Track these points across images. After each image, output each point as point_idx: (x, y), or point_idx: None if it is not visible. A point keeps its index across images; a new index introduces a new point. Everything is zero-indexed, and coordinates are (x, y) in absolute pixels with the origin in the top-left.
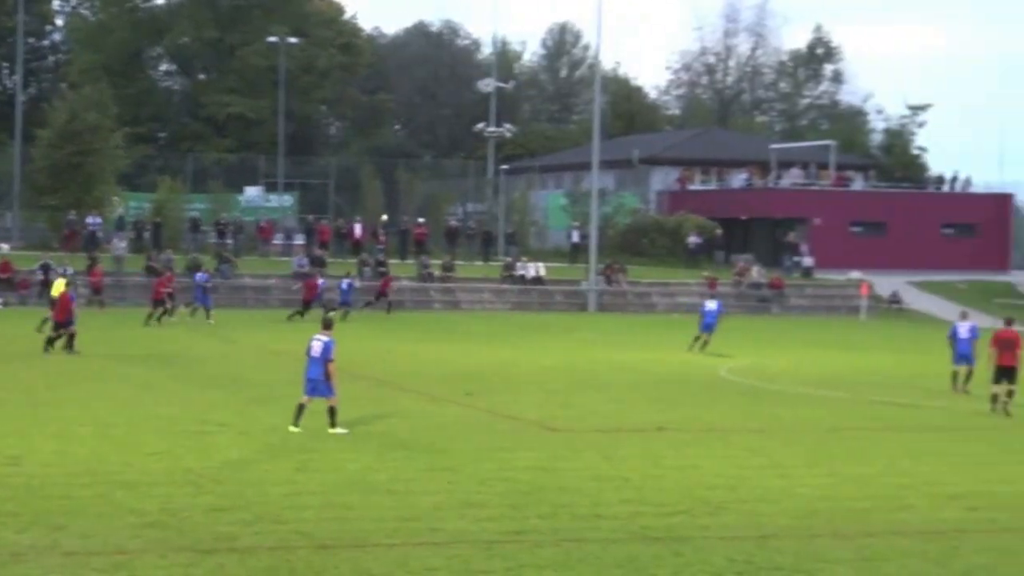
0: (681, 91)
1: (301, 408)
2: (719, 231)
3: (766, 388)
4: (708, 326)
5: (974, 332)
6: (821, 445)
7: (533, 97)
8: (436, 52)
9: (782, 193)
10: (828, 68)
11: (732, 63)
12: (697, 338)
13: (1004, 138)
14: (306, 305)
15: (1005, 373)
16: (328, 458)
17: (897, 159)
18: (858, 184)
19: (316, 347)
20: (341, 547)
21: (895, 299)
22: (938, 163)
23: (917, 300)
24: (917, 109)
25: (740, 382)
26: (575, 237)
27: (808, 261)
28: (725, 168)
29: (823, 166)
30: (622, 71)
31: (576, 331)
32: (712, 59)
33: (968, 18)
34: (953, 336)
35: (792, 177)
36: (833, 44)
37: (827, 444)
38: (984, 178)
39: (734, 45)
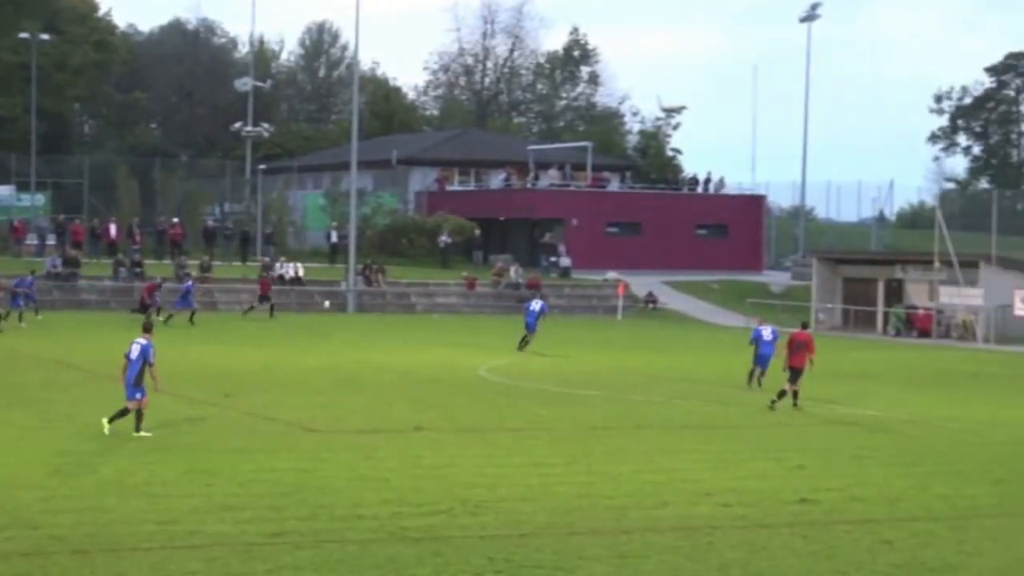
0: (439, 92)
1: (125, 411)
2: (478, 231)
3: (525, 387)
4: (529, 325)
5: (775, 335)
6: (579, 444)
7: (291, 97)
8: (193, 50)
9: (540, 194)
10: (585, 70)
11: (490, 64)
12: (524, 339)
13: (756, 140)
14: (144, 308)
15: (796, 373)
16: (83, 461)
17: (652, 160)
18: (614, 185)
19: (135, 350)
20: (98, 552)
21: (651, 299)
22: (692, 164)
23: (672, 300)
24: (671, 111)
25: (499, 381)
26: (334, 237)
27: (566, 261)
28: (484, 169)
29: (580, 167)
30: (381, 71)
31: (337, 332)
32: (470, 60)
33: (722, 21)
34: (757, 339)
35: (550, 178)
36: (590, 46)
37: (585, 442)
38: (737, 179)
39: (492, 46)
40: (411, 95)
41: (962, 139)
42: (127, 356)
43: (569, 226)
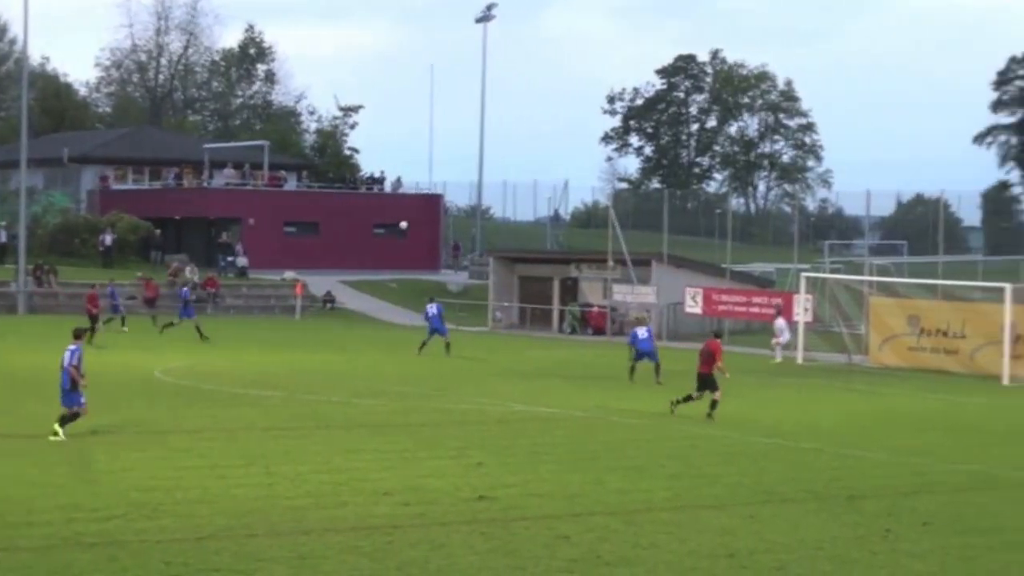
0: (112, 89)
1: (74, 416)
2: (158, 231)
3: (202, 388)
4: (434, 330)
5: (650, 333)
6: (258, 444)
7: None
8: None
9: (216, 193)
10: (261, 68)
11: (164, 61)
12: (423, 343)
13: (433, 139)
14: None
15: (702, 381)
16: None
17: (330, 160)
18: (291, 184)
19: (65, 357)
20: None
21: (329, 298)
22: (370, 164)
23: (351, 299)
24: (349, 110)
25: (176, 383)
26: (3, 237)
27: (243, 261)
28: (158, 167)
29: (257, 166)
30: (51, 67)
31: (8, 334)
32: (143, 57)
33: (398, 20)
34: (634, 340)
35: (226, 177)
36: (266, 44)
37: (264, 443)
38: (414, 179)
39: (166, 43)
40: (83, 91)
41: (634, 140)
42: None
43: (246, 225)
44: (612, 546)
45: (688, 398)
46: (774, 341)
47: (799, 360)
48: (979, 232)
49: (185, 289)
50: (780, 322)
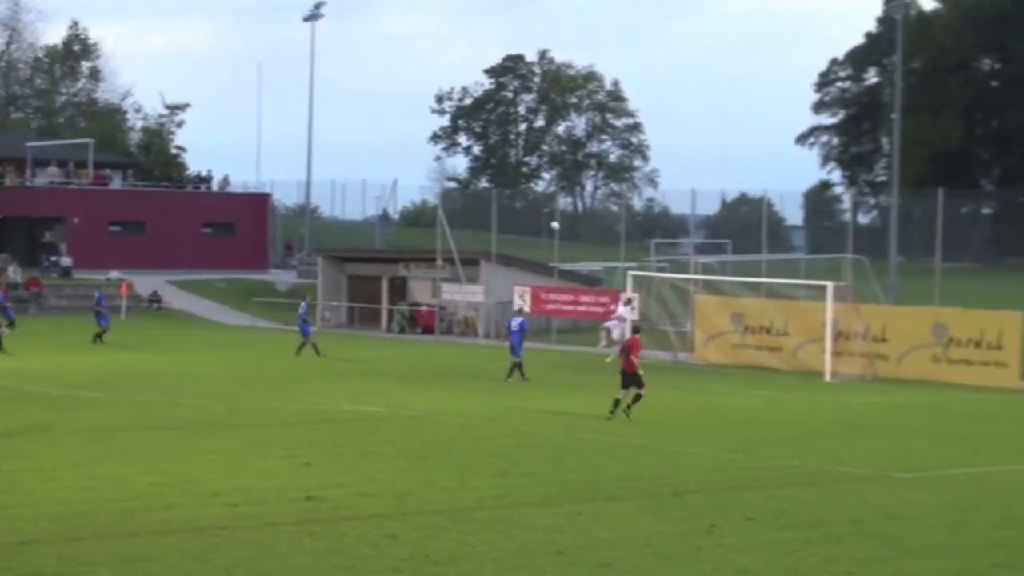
0: None
1: None
2: None
3: (25, 390)
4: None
5: (523, 326)
6: (83, 447)
7: None
8: None
9: (39, 191)
10: (86, 65)
11: None
12: (302, 344)
13: (262, 138)
14: None
15: (626, 378)
16: None
17: (156, 158)
18: (117, 183)
19: None
20: None
21: (155, 298)
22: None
23: (177, 299)
24: (175, 108)
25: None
26: None
27: (67, 260)
28: None
29: (81, 164)
30: None
31: None
32: None
33: (225, 17)
34: (508, 329)
35: (49, 175)
36: (90, 41)
37: (89, 445)
38: (242, 178)
39: None
40: None
41: (463, 139)
42: None
43: (70, 225)
44: (440, 544)
45: (617, 403)
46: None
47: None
48: (801, 231)
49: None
50: (619, 313)
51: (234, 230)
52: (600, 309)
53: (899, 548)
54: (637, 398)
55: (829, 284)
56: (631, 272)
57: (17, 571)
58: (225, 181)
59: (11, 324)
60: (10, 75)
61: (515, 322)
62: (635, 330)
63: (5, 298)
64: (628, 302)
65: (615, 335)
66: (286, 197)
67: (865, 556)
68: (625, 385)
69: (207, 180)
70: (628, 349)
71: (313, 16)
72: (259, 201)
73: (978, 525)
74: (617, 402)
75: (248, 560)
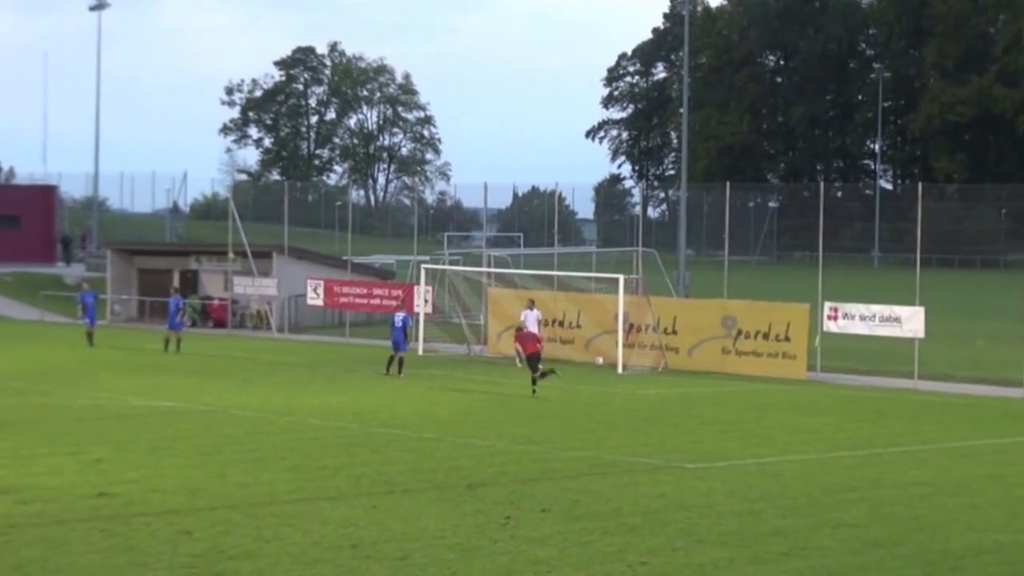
0: None
1: None
2: None
3: None
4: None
5: (406, 321)
6: None
7: None
8: None
9: None
10: None
11: None
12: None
13: (48, 129)
14: None
15: (532, 359)
16: None
17: None
18: None
19: None
20: None
21: None
22: None
23: None
24: None
25: None
26: None
27: None
28: None
29: None
30: None
31: None
32: None
33: (9, 6)
34: (391, 324)
35: None
36: None
37: None
38: (28, 169)
39: None
40: None
41: (254, 131)
42: None
43: None
44: (235, 540)
45: (537, 378)
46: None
47: (420, 351)
48: (593, 224)
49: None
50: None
51: (20, 222)
52: (393, 302)
53: (691, 537)
54: (543, 376)
55: (620, 277)
56: (424, 265)
57: None
58: (10, 173)
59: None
60: None
61: (398, 317)
62: (519, 328)
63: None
64: (532, 304)
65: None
66: (74, 189)
67: (658, 545)
68: (533, 366)
69: None
70: (531, 335)
71: (99, 5)
72: (46, 193)
73: (767, 514)
74: (534, 380)
75: (39, 558)
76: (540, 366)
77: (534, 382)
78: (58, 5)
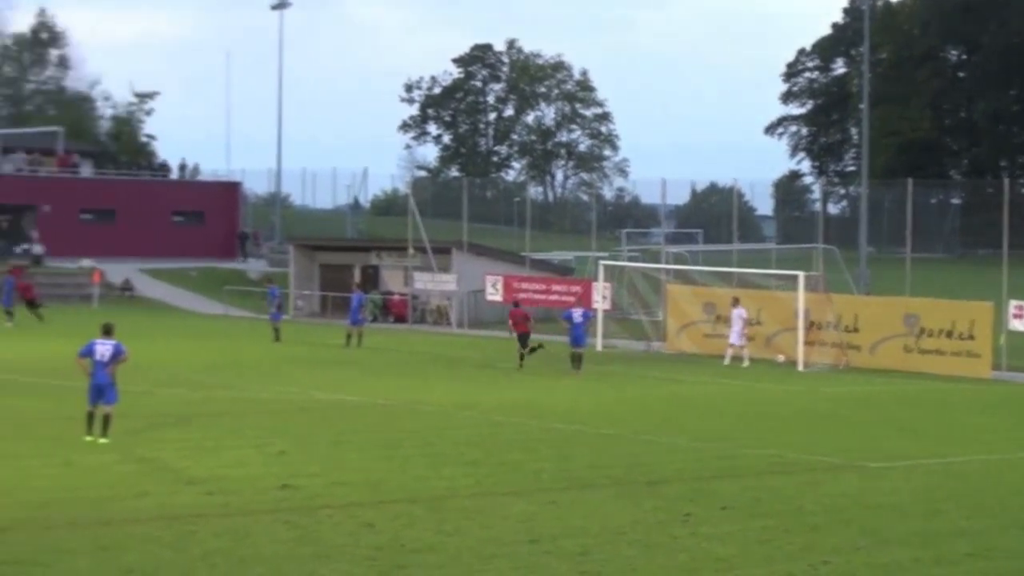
0: None
1: (91, 416)
2: None
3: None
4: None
5: (586, 316)
6: (56, 435)
7: None
8: None
9: (8, 180)
10: (54, 53)
11: None
12: (350, 335)
13: (231, 126)
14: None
15: (523, 337)
16: None
17: (125, 147)
18: (87, 171)
19: (104, 352)
20: None
21: (127, 286)
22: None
23: (149, 287)
24: (145, 96)
25: None
26: None
27: (39, 249)
28: None
29: (50, 152)
30: None
31: None
32: None
33: (193, 6)
34: (568, 319)
35: (18, 163)
36: (58, 29)
37: (63, 434)
38: (212, 166)
39: None
40: None
41: (432, 128)
42: (92, 358)
43: (41, 213)
44: (416, 533)
45: (525, 353)
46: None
47: (598, 347)
48: (772, 221)
49: (12, 278)
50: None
51: (204, 218)
52: (571, 299)
53: (874, 537)
54: (533, 351)
55: (800, 274)
56: (603, 262)
57: None
58: (195, 170)
59: (9, 314)
60: None
61: (577, 312)
62: (516, 304)
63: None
64: (736, 302)
65: (734, 340)
66: (256, 186)
67: (841, 544)
68: (524, 343)
69: (181, 168)
70: (522, 316)
71: (281, 4)
72: (229, 190)
73: (951, 515)
74: (524, 354)
75: (224, 549)
76: (530, 343)
77: (522, 357)
78: (241, 4)
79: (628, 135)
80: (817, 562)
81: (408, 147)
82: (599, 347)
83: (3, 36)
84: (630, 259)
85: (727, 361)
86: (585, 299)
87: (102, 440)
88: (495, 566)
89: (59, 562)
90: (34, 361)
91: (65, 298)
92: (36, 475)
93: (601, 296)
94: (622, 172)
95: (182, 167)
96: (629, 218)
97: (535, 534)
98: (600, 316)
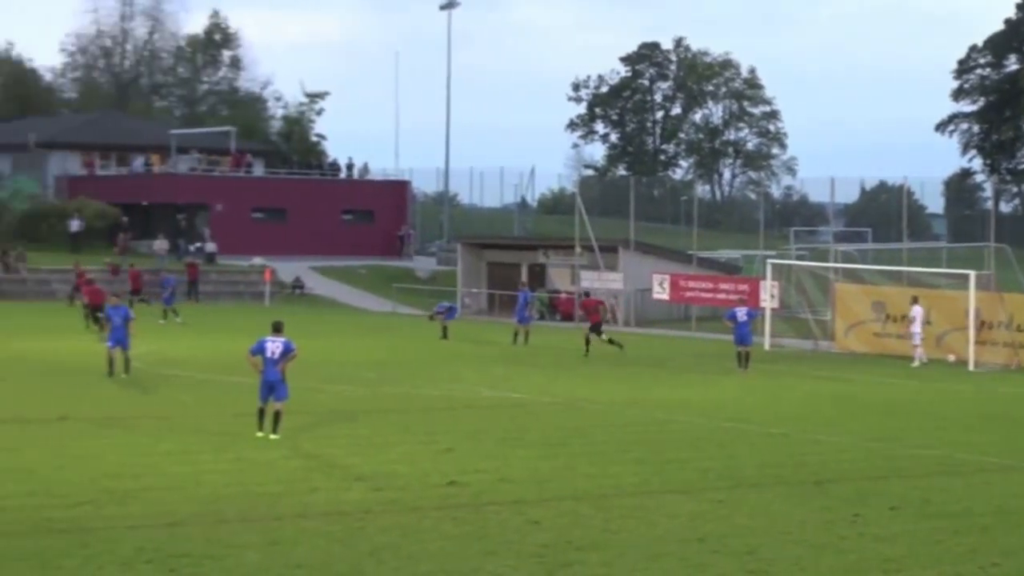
0: (78, 74)
1: (262, 412)
2: (125, 218)
3: (169, 375)
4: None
5: (751, 315)
6: (228, 430)
7: None
8: None
9: (183, 179)
10: (227, 54)
11: (129, 47)
12: (516, 333)
13: (400, 126)
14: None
15: (595, 327)
16: None
17: (296, 146)
18: (259, 171)
19: (274, 349)
20: None
21: (298, 284)
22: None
23: (320, 285)
24: (315, 97)
25: (145, 369)
26: None
27: (211, 247)
28: (125, 152)
29: (223, 152)
30: (15, 52)
31: None
32: (108, 42)
33: (362, 6)
34: (732, 319)
35: (192, 163)
36: (231, 30)
37: (234, 429)
38: (381, 165)
39: (131, 29)
40: (48, 77)
41: (600, 127)
42: (264, 355)
43: (214, 211)
44: (582, 531)
45: (603, 342)
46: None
47: (766, 347)
48: (942, 219)
49: (171, 277)
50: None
51: (374, 217)
52: (738, 297)
53: None
54: (610, 341)
55: (971, 273)
56: (770, 260)
57: (165, 552)
58: (365, 168)
59: (173, 312)
60: (153, 64)
61: (741, 311)
62: (587, 294)
63: (173, 284)
64: (915, 300)
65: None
66: (425, 184)
67: (1012, 547)
68: (596, 331)
69: (348, 167)
70: (593, 307)
71: (450, 4)
72: (398, 188)
73: None
74: (587, 340)
75: (392, 544)
76: (602, 335)
77: (587, 342)
78: (410, 4)
79: (796, 133)
80: (987, 564)
81: (575, 146)
82: (766, 346)
83: (177, 38)
84: (798, 258)
85: (917, 363)
86: (752, 298)
87: (272, 436)
88: (662, 565)
89: (230, 556)
90: (205, 358)
91: (237, 296)
92: (208, 470)
93: (769, 295)
94: (790, 170)
95: (349, 166)
96: (797, 216)
97: (702, 533)
98: (768, 315)
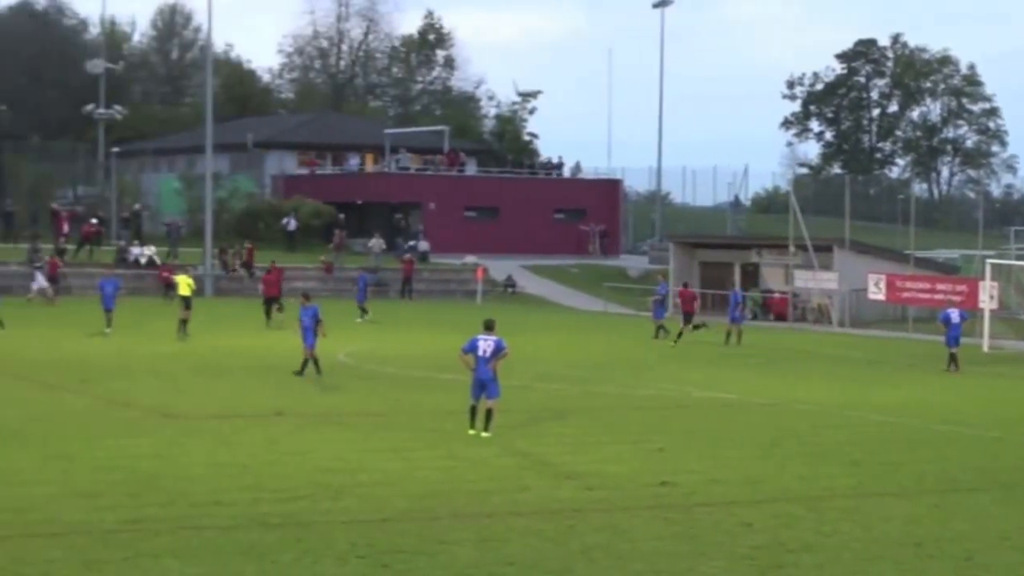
0: (295, 75)
1: (474, 410)
2: (342, 216)
3: (384, 372)
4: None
5: (963, 317)
6: (441, 427)
7: (144, 79)
8: (42, 32)
9: (397, 178)
10: (440, 54)
11: (345, 48)
12: (729, 333)
13: (612, 124)
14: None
15: (688, 316)
16: None
17: (509, 145)
18: (472, 169)
19: (486, 348)
20: None
21: (510, 283)
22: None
23: (531, 284)
24: (527, 96)
25: (358, 366)
26: (291, 225)
27: (424, 245)
28: (340, 152)
29: (436, 151)
30: (235, 53)
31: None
32: (325, 43)
33: (576, 5)
34: (946, 321)
35: (405, 162)
36: (445, 30)
37: (447, 426)
38: (593, 164)
39: (347, 30)
40: (266, 78)
41: (814, 125)
42: (475, 353)
43: (427, 210)
44: (795, 533)
45: (686, 331)
46: None
47: (984, 348)
48: None
49: (365, 274)
50: None
51: (586, 216)
52: (957, 298)
53: None
54: (693, 329)
55: None
56: (990, 260)
57: (379, 548)
58: (577, 167)
59: (363, 311)
60: (368, 64)
61: (955, 313)
62: (686, 285)
63: (367, 281)
64: None
65: None
66: (637, 183)
67: None
68: (687, 322)
69: (559, 166)
70: (690, 297)
71: (663, 2)
72: (610, 187)
73: None
74: (680, 333)
75: (604, 543)
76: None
77: (680, 334)
78: (623, 2)
79: (1017, 130)
80: None
81: (790, 144)
82: (985, 348)
83: (392, 38)
84: (1018, 258)
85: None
86: (971, 298)
87: (484, 434)
88: (878, 568)
89: (442, 552)
90: (418, 355)
91: (449, 294)
92: (421, 467)
93: (988, 295)
94: (1010, 168)
95: (560, 165)
96: (1018, 216)
97: (918, 537)
98: (986, 316)
